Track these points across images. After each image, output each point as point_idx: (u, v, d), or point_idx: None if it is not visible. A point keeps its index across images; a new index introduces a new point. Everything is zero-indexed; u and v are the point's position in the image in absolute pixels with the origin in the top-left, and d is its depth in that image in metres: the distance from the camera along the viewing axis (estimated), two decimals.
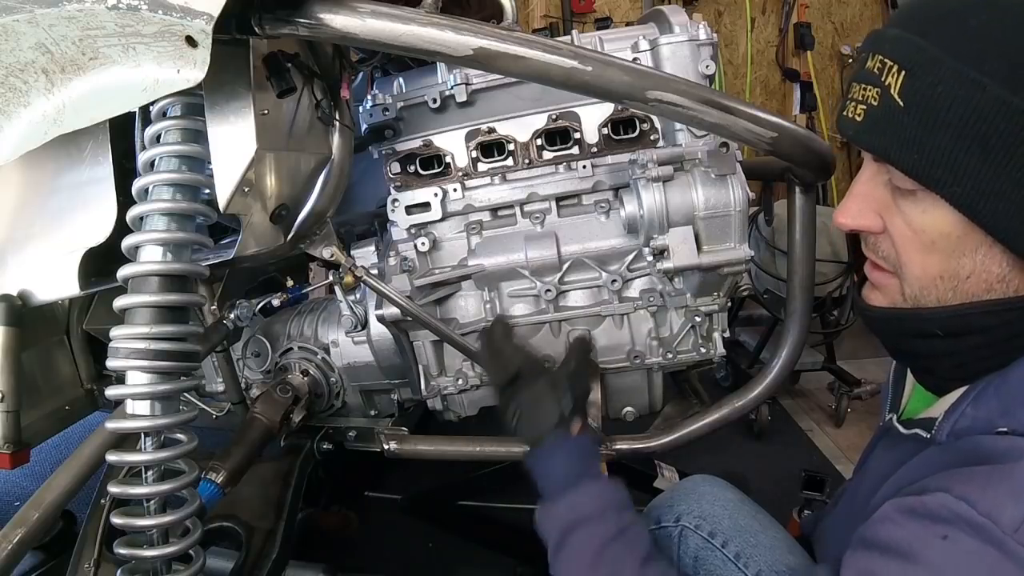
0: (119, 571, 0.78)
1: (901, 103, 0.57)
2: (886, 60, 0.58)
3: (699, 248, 1.09)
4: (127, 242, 0.77)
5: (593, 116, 1.19)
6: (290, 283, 1.35)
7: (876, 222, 0.63)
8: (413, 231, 1.23)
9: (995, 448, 0.54)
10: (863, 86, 0.61)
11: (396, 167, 1.24)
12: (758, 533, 0.83)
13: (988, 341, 0.60)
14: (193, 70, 0.71)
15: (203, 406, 1.29)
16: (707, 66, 1.10)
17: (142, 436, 0.76)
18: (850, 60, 3.24)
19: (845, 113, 0.63)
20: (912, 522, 0.53)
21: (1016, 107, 0.52)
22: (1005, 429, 0.55)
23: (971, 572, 0.48)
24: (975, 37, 0.53)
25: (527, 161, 1.22)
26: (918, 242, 0.60)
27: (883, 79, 0.58)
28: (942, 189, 0.56)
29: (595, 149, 1.20)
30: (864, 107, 0.60)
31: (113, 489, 0.77)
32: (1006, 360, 0.59)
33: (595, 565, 0.74)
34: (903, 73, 0.56)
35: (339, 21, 0.76)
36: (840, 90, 3.32)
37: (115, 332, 0.75)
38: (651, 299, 1.19)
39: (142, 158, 0.80)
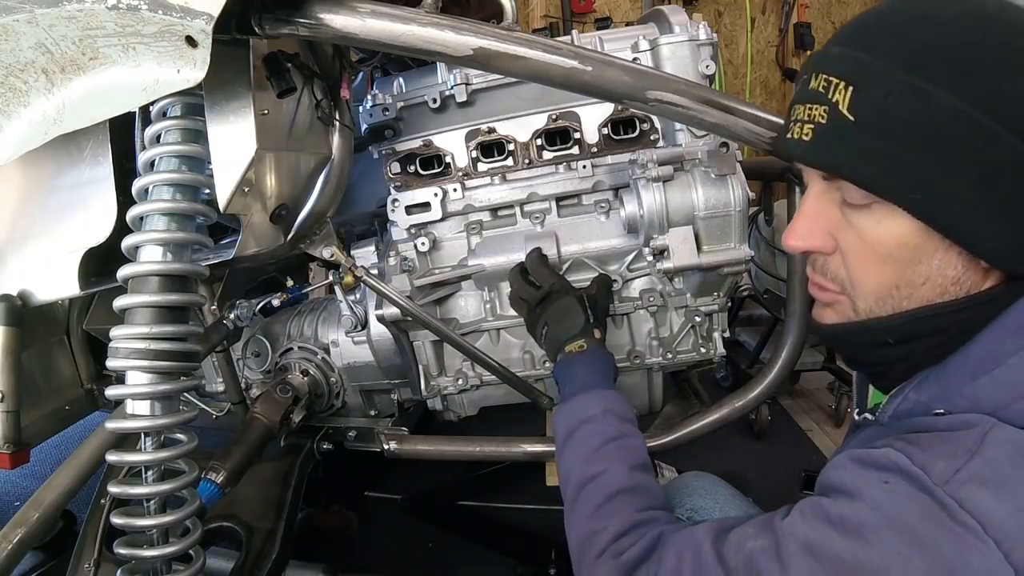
0: (119, 571, 0.78)
1: (852, 117, 0.57)
2: (831, 78, 0.59)
3: (699, 248, 1.09)
4: (127, 242, 0.77)
5: (593, 116, 1.19)
6: (290, 283, 1.35)
7: (828, 242, 0.63)
8: (413, 231, 1.23)
9: (935, 424, 0.58)
10: (808, 106, 0.61)
11: (396, 167, 1.24)
12: None
13: (941, 341, 0.61)
14: (193, 70, 0.71)
15: (203, 406, 1.29)
16: (707, 66, 1.10)
17: (142, 436, 0.76)
18: None
19: (790, 136, 0.63)
20: (859, 468, 0.58)
21: (962, 110, 0.54)
22: (941, 411, 0.59)
23: (905, 512, 0.53)
24: (917, 49, 0.55)
25: (527, 161, 1.22)
26: (873, 255, 0.60)
27: (830, 96, 0.59)
28: (900, 198, 0.57)
29: (595, 149, 1.20)
30: (811, 126, 0.60)
31: (113, 489, 0.77)
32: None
33: (591, 459, 0.83)
34: (851, 88, 0.57)
35: (339, 21, 0.76)
36: None
37: (115, 332, 0.75)
38: (651, 299, 1.19)
39: (142, 158, 0.80)
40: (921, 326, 0.61)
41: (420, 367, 1.27)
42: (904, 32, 0.57)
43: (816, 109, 0.60)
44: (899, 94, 0.55)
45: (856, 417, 0.76)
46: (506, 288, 1.23)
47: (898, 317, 0.62)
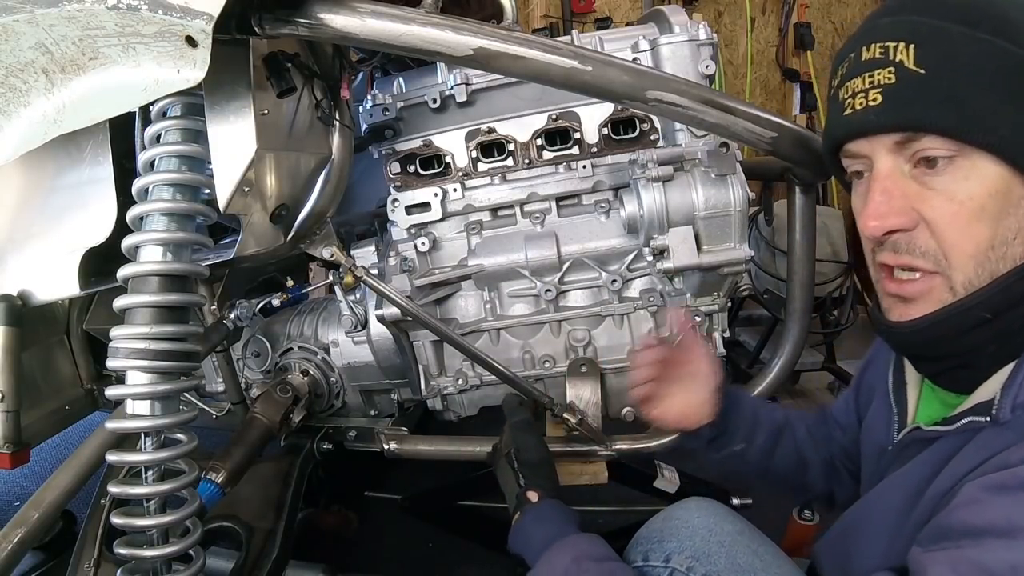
0: (119, 571, 0.78)
1: (922, 71, 0.58)
2: (887, 43, 0.60)
3: (699, 248, 1.09)
4: (127, 242, 0.77)
5: (593, 116, 1.19)
6: (290, 283, 1.35)
7: (911, 216, 0.60)
8: (413, 231, 1.23)
9: None
10: (867, 75, 0.61)
11: (396, 167, 1.24)
12: (759, 572, 0.76)
13: None
14: (193, 70, 0.71)
15: (203, 406, 1.29)
16: (707, 66, 1.10)
17: (142, 436, 0.76)
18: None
19: (852, 110, 0.62)
20: (1005, 497, 0.49)
21: (1016, 52, 0.57)
22: None
23: None
24: (964, 7, 0.59)
25: (527, 161, 1.22)
26: (966, 213, 0.58)
27: (892, 57, 0.59)
28: (986, 138, 0.56)
29: (595, 149, 1.20)
30: (878, 91, 0.60)
31: (113, 489, 0.77)
32: None
33: None
34: (912, 45, 0.58)
35: (339, 21, 0.76)
36: None
37: (115, 332, 0.75)
38: (651, 299, 1.19)
39: (142, 158, 0.80)
40: (1013, 291, 0.58)
41: (420, 367, 1.27)
42: None
43: (879, 74, 0.60)
44: (962, 44, 0.57)
45: (944, 428, 0.64)
46: (506, 288, 1.23)
47: (996, 284, 0.59)
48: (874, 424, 0.80)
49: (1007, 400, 0.57)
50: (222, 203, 0.86)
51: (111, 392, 0.76)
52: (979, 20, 0.57)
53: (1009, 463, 0.50)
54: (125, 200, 0.91)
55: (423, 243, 1.21)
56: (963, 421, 0.61)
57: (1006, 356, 0.60)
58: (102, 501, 1.10)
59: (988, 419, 0.58)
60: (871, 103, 0.60)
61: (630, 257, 1.19)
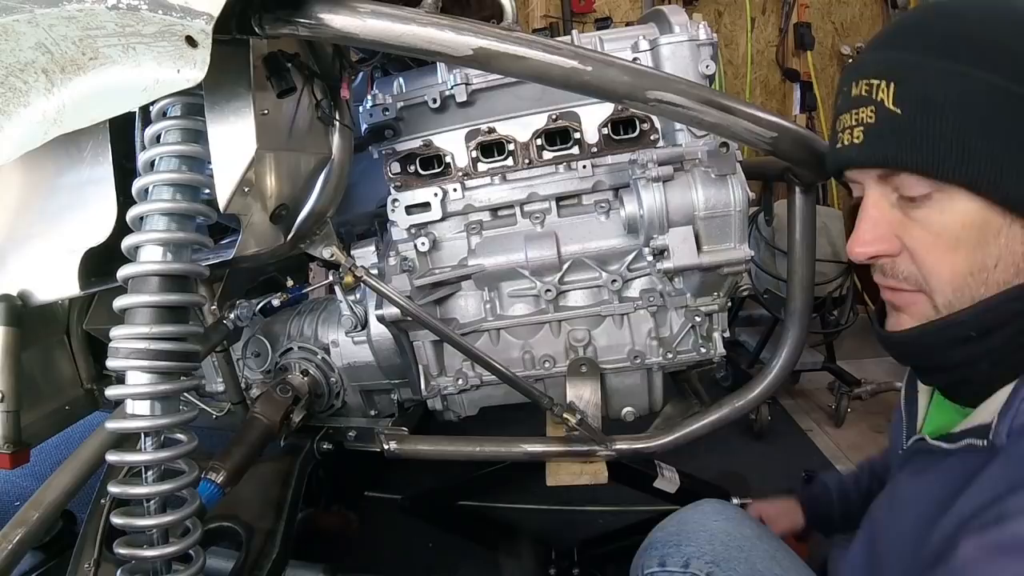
0: (119, 571, 0.78)
1: (899, 110, 0.60)
2: (871, 80, 0.62)
3: (699, 248, 1.09)
4: (127, 242, 0.77)
5: (593, 116, 1.19)
6: (290, 283, 1.35)
7: (894, 244, 0.64)
8: (413, 231, 1.23)
9: None
10: (853, 112, 0.64)
11: (396, 167, 1.24)
12: None
13: (1020, 329, 0.59)
14: (193, 70, 0.70)
15: (203, 406, 1.29)
16: (707, 66, 1.10)
17: (142, 436, 0.76)
18: (849, 60, 3.24)
19: (842, 144, 0.66)
20: (1005, 558, 0.49)
21: (997, 84, 0.57)
22: None
23: None
24: (945, 39, 0.60)
25: (527, 161, 1.22)
26: (942, 245, 0.61)
27: (874, 96, 0.62)
28: (957, 175, 0.58)
29: (595, 149, 1.20)
30: (861, 128, 0.63)
31: (113, 489, 0.77)
32: None
33: None
34: (892, 84, 0.61)
35: (339, 21, 0.76)
36: None
37: (115, 332, 0.75)
38: (651, 299, 1.19)
39: (142, 158, 0.79)
40: (1000, 312, 0.59)
41: (420, 367, 1.27)
42: (930, 28, 0.62)
43: (863, 112, 0.63)
44: (938, 80, 0.58)
45: (945, 445, 0.65)
46: (506, 288, 1.23)
47: (981, 305, 0.60)
48: (893, 431, 0.82)
49: (1003, 425, 0.58)
50: (222, 203, 0.86)
51: (111, 392, 0.76)
52: (960, 51, 0.58)
53: (1006, 514, 0.50)
54: (125, 200, 0.91)
55: (423, 243, 1.21)
56: (963, 442, 0.63)
57: (1002, 377, 0.61)
58: (102, 501, 1.10)
59: (985, 443, 0.60)
60: (855, 140, 0.64)
61: (630, 257, 1.19)
